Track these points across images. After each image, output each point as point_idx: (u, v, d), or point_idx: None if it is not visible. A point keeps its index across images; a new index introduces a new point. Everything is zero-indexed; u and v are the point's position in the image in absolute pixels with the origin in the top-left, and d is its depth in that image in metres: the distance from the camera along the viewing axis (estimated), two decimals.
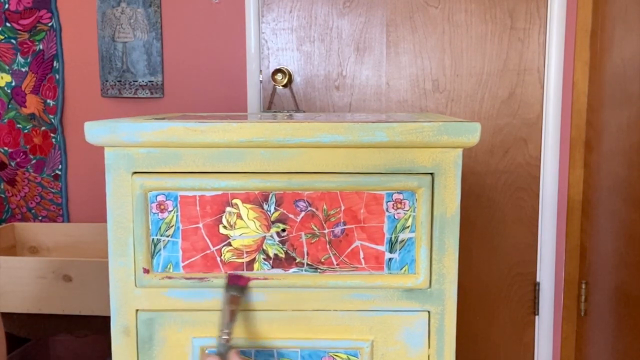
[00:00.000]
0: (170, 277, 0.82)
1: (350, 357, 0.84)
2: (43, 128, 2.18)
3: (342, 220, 0.81)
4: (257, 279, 0.82)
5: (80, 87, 2.17)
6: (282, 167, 0.80)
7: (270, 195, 0.80)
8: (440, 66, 2.06)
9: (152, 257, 0.82)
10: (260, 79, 2.11)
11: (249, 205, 0.80)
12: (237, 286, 0.80)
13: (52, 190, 2.21)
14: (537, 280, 2.10)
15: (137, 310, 0.83)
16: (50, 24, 2.14)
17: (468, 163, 2.05)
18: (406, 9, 2.05)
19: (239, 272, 0.81)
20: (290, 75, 2.07)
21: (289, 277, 0.82)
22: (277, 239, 0.81)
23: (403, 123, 0.78)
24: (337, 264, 0.81)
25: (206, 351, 0.81)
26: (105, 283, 0.85)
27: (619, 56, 1.73)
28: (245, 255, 0.81)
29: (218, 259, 0.81)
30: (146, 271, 0.82)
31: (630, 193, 1.62)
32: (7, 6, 2.13)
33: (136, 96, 2.14)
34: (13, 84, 2.17)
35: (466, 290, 2.09)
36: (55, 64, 2.16)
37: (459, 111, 2.07)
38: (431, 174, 0.80)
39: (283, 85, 2.06)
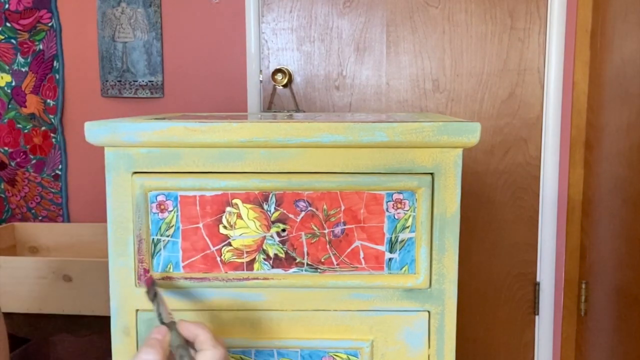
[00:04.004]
0: (170, 277, 0.82)
1: (350, 357, 0.84)
2: (43, 128, 2.18)
3: (342, 220, 0.81)
4: (257, 279, 0.81)
5: (80, 87, 2.17)
6: (282, 167, 0.80)
7: (270, 195, 0.80)
8: (441, 66, 2.06)
9: (152, 257, 0.82)
10: (260, 79, 2.11)
11: (249, 205, 0.80)
12: (152, 286, 0.80)
13: (52, 190, 2.21)
14: (537, 280, 2.10)
15: (137, 310, 0.83)
16: (50, 24, 2.14)
17: (468, 163, 2.05)
18: (406, 9, 2.05)
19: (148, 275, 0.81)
20: (290, 75, 2.07)
21: (289, 277, 0.81)
22: (277, 239, 0.81)
23: (403, 123, 0.78)
24: (337, 264, 0.81)
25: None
26: (105, 283, 0.84)
27: (619, 56, 1.73)
28: (245, 255, 0.81)
29: (218, 259, 0.81)
30: (146, 271, 0.82)
31: (630, 193, 1.62)
32: (7, 6, 2.13)
33: (136, 96, 2.14)
34: (13, 84, 2.17)
35: (466, 290, 2.09)
36: (55, 64, 2.16)
37: (459, 111, 2.07)
38: (431, 174, 0.80)
39: (283, 85, 2.06)
